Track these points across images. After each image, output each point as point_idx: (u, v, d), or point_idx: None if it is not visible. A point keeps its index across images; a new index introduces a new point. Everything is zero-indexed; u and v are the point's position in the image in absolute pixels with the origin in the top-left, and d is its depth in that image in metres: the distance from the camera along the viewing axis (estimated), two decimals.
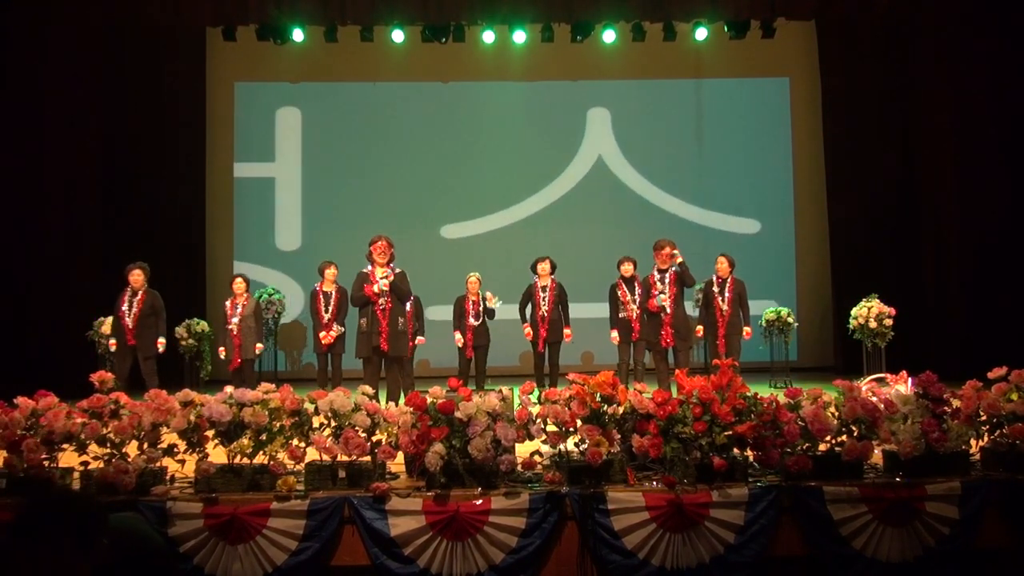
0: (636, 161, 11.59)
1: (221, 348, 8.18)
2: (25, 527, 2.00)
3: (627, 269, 8.10)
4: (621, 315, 7.98)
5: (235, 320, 8.03)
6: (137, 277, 7.57)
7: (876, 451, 4.15)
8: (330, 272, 8.19)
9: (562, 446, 4.06)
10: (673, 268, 7.62)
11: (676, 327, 7.58)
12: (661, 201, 11.55)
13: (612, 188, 11.56)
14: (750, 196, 11.54)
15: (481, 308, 8.29)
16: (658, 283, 7.64)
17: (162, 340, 7.63)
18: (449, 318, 8.52)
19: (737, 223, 11.56)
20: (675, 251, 7.64)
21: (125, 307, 7.49)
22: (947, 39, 10.15)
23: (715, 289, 8.04)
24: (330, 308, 8.04)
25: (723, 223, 11.49)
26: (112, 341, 7.64)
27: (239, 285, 8.19)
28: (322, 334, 7.97)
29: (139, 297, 7.52)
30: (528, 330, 8.26)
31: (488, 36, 10.54)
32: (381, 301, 6.58)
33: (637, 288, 8.00)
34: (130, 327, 7.44)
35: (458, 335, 8.31)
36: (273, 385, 4.17)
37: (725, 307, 7.97)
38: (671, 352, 7.74)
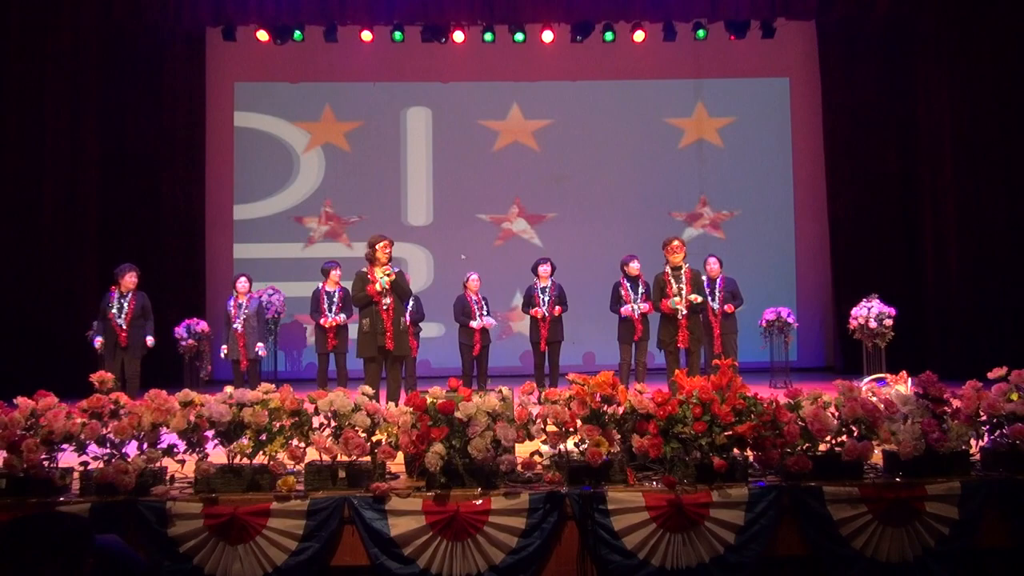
0: (636, 161, 11.59)
1: (224, 347, 8.19)
2: (10, 549, 1.97)
3: (633, 268, 8.07)
4: (624, 315, 7.95)
5: (241, 318, 8.04)
6: (132, 280, 7.57)
7: (876, 451, 4.14)
8: (335, 273, 8.30)
9: (562, 446, 4.06)
10: (688, 266, 7.23)
11: (691, 328, 7.09)
12: (660, 202, 11.54)
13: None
14: (750, 196, 11.53)
15: (484, 310, 8.31)
16: (672, 282, 7.13)
17: (151, 338, 7.63)
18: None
19: (737, 223, 11.55)
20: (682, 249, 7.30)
21: (115, 309, 7.48)
22: (947, 39, 10.14)
23: (707, 291, 7.91)
24: (333, 308, 8.11)
25: (722, 223, 11.48)
26: (99, 340, 7.53)
27: (243, 284, 8.21)
28: (327, 323, 8.05)
29: (129, 298, 7.52)
30: (536, 310, 8.18)
31: (488, 36, 10.53)
32: (385, 301, 6.49)
33: (641, 287, 7.98)
34: (123, 329, 7.45)
35: (475, 322, 8.25)
36: (273, 385, 4.17)
37: (717, 307, 7.98)
38: (684, 354, 7.19)
